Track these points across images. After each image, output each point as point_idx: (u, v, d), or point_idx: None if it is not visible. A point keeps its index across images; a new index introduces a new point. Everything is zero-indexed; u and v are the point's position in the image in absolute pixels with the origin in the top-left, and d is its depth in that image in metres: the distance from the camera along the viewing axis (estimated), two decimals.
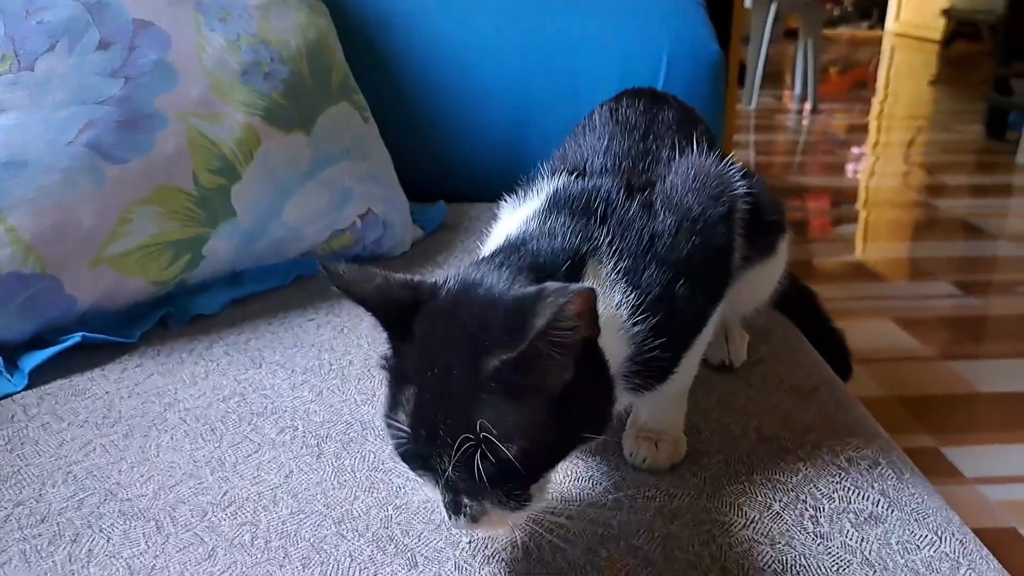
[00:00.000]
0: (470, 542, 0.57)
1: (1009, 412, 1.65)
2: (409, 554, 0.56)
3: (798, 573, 0.56)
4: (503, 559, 0.56)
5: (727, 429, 0.72)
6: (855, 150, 3.80)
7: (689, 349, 0.64)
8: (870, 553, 0.58)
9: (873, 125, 4.35)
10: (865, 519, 0.61)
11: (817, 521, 0.61)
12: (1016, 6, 3.84)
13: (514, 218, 0.65)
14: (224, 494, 0.62)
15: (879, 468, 0.67)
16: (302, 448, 0.68)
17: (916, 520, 0.62)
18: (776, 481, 0.65)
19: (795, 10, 4.49)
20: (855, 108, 4.69)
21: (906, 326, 1.97)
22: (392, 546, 0.57)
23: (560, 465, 0.51)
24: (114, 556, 0.56)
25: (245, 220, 0.91)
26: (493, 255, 0.56)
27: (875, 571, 0.56)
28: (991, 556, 0.60)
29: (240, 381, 0.77)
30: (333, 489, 0.63)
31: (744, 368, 0.82)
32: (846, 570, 0.56)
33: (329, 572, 0.55)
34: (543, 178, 0.66)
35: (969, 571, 0.57)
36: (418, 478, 0.52)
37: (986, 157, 3.59)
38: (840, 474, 0.66)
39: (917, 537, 0.60)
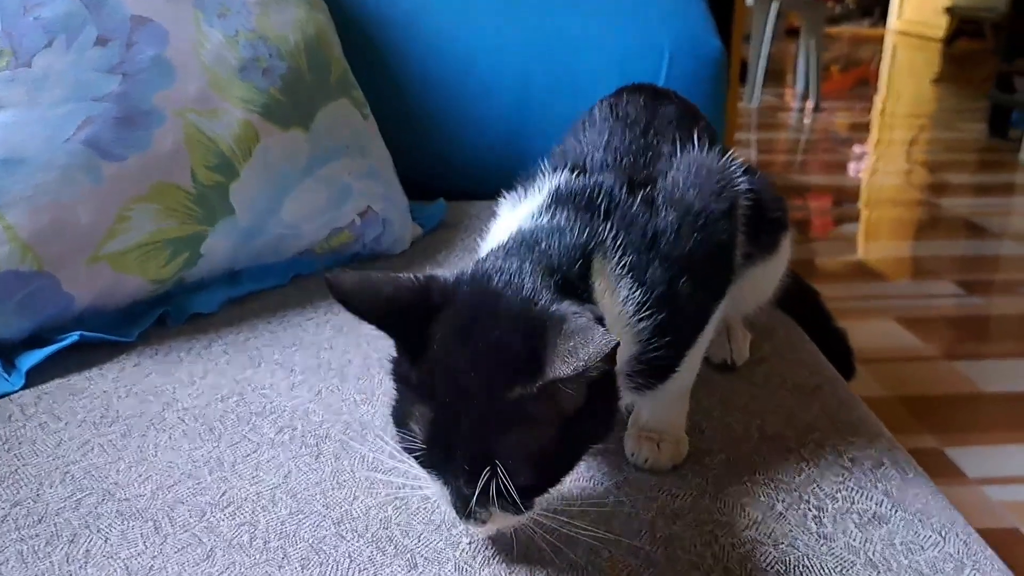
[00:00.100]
0: (470, 543, 0.57)
1: (1013, 412, 1.64)
2: (409, 555, 0.56)
3: (801, 574, 0.56)
4: (504, 560, 0.55)
5: (729, 428, 0.71)
6: (857, 148, 3.79)
7: (692, 347, 0.63)
8: (874, 554, 0.57)
9: (875, 123, 4.35)
10: (869, 519, 0.61)
11: (820, 521, 0.60)
12: (1019, 4, 3.82)
13: (516, 214, 0.64)
14: (222, 494, 0.62)
15: (883, 468, 0.67)
16: (301, 448, 0.67)
17: (920, 521, 0.61)
18: (779, 481, 0.65)
19: (797, 8, 4.48)
20: (857, 106, 4.68)
21: (909, 325, 1.96)
22: (392, 547, 0.56)
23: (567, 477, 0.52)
24: (112, 556, 0.55)
25: (243, 218, 0.91)
26: (506, 252, 0.55)
27: (879, 572, 0.56)
28: (995, 557, 0.60)
29: (239, 380, 0.77)
30: (332, 489, 0.62)
31: (746, 367, 0.82)
32: (849, 571, 0.56)
33: (328, 573, 0.54)
34: (544, 174, 0.66)
35: (973, 572, 0.57)
36: (424, 473, 0.52)
37: (989, 155, 3.58)
38: (844, 474, 0.66)
39: (921, 538, 0.59)
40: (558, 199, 0.61)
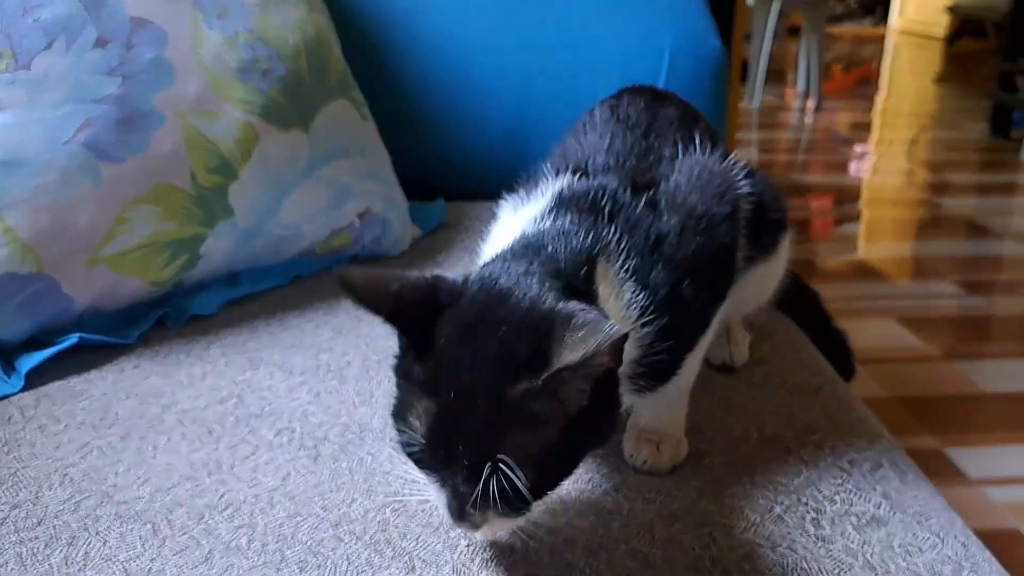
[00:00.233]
0: (468, 545, 0.57)
1: (1014, 412, 1.64)
2: (407, 557, 0.56)
3: None
4: (502, 563, 0.55)
5: (729, 429, 0.71)
6: (858, 148, 3.78)
7: (692, 350, 0.63)
8: (872, 556, 0.57)
9: (877, 123, 4.34)
10: (867, 522, 0.61)
11: (819, 524, 0.60)
12: (1021, 3, 3.81)
13: (518, 217, 0.64)
14: (221, 496, 0.62)
15: (881, 470, 0.67)
16: (299, 450, 0.67)
17: (918, 523, 0.61)
18: (778, 483, 0.64)
19: (798, 7, 4.47)
20: (859, 106, 4.68)
21: (909, 326, 1.96)
22: (390, 549, 0.56)
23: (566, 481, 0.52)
24: (110, 559, 0.55)
25: (243, 219, 0.91)
26: (513, 255, 0.55)
27: (877, 574, 0.56)
28: (993, 559, 0.60)
29: (238, 382, 0.77)
30: (330, 492, 0.62)
31: (746, 368, 0.81)
32: (847, 573, 0.56)
33: None
34: (546, 176, 0.66)
35: (971, 574, 0.57)
36: (421, 477, 0.52)
37: (990, 155, 3.58)
38: (842, 476, 0.66)
39: (919, 540, 0.59)
40: (562, 202, 0.61)
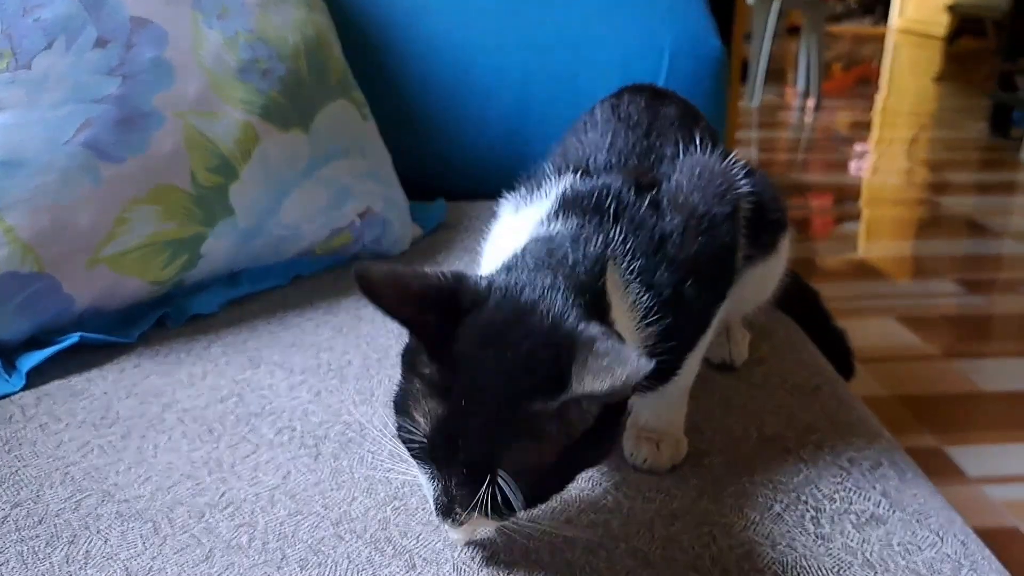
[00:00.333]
0: (469, 544, 0.57)
1: (1013, 411, 1.64)
2: (407, 556, 0.56)
3: (799, 575, 0.56)
4: (502, 561, 0.55)
5: (728, 429, 0.71)
6: (858, 147, 3.78)
7: (693, 349, 0.63)
8: (871, 555, 0.57)
9: (876, 122, 4.34)
10: (866, 520, 0.61)
11: (818, 522, 0.60)
12: (1021, 2, 3.82)
13: (521, 217, 0.64)
14: (221, 495, 0.62)
15: (881, 468, 0.67)
16: (300, 449, 0.67)
17: (918, 521, 0.61)
18: (777, 482, 0.65)
19: (798, 6, 4.47)
20: (858, 105, 4.68)
21: (909, 325, 1.96)
22: (390, 548, 0.57)
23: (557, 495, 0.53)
24: (111, 558, 0.56)
25: (243, 219, 0.91)
26: (536, 264, 0.54)
27: (876, 573, 0.56)
28: (993, 557, 0.60)
29: (238, 381, 0.77)
30: (331, 490, 0.62)
31: (745, 367, 0.82)
32: (847, 572, 0.56)
33: (327, 574, 0.54)
34: (549, 176, 0.65)
35: (971, 572, 0.57)
36: (415, 467, 0.52)
37: (990, 154, 3.58)
38: (842, 475, 0.66)
39: (919, 538, 0.59)
40: (567, 203, 0.60)
